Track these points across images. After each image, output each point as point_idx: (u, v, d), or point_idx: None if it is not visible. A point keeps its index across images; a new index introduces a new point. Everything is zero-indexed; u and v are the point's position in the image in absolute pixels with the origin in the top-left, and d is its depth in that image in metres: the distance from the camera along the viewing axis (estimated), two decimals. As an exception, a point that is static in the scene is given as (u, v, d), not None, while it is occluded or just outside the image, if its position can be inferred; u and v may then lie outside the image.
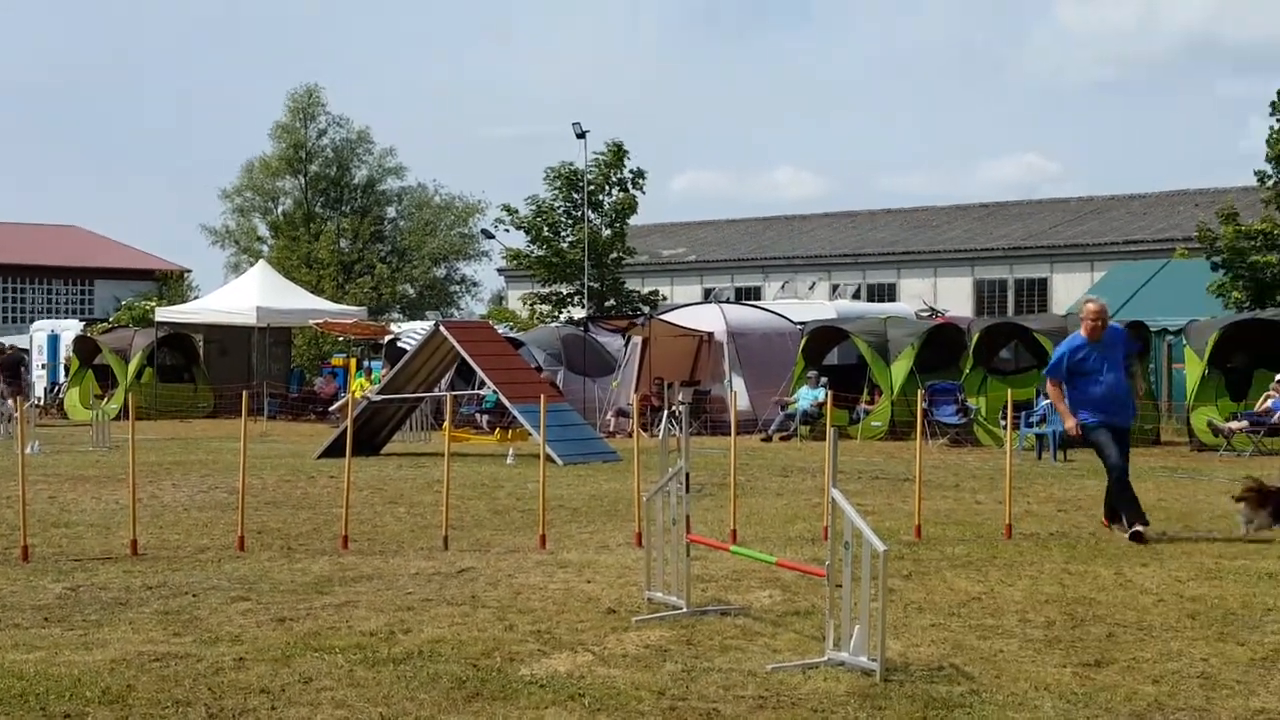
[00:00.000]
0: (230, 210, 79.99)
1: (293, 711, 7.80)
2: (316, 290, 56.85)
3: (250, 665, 8.85)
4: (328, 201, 78.64)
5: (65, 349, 47.54)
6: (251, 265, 52.75)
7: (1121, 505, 14.50)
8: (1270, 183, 33.51)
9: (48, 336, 50.12)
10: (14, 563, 13.13)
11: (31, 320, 61.81)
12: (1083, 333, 14.68)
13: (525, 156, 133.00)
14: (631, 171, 48.84)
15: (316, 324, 43.74)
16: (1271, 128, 33.19)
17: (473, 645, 9.35)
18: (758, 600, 10.96)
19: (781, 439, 31.27)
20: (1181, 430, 29.21)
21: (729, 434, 15.97)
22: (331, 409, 37.84)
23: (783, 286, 57.22)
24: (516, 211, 49.21)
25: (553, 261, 48.42)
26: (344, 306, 48.71)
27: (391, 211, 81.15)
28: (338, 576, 12.22)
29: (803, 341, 33.64)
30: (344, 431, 19.60)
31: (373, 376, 37.71)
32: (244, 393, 15.78)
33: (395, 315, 68.76)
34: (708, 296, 55.97)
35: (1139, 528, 14.10)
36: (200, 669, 8.76)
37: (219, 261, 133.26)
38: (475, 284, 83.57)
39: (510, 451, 25.30)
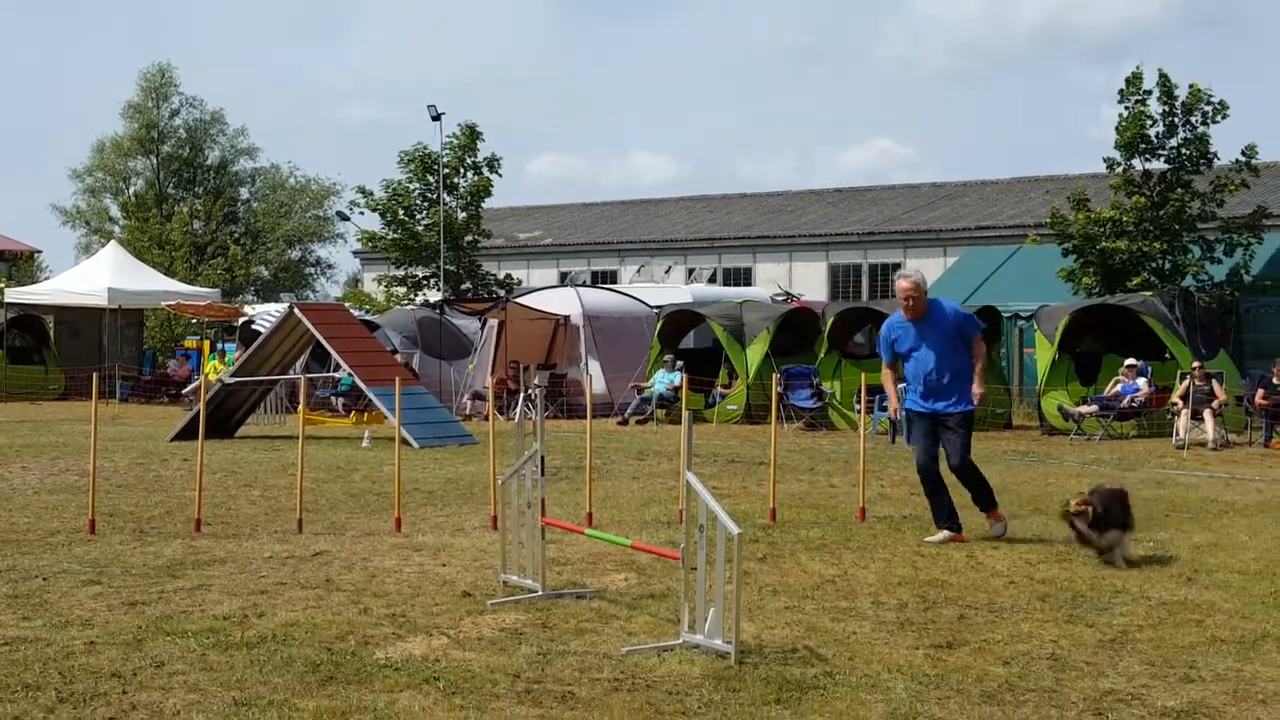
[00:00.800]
0: (81, 190, 78.89)
1: (145, 695, 7.71)
2: (169, 272, 56.10)
3: (101, 649, 8.74)
4: (180, 182, 77.72)
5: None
6: (103, 246, 51.92)
7: (930, 502, 13.73)
8: (1120, 170, 34.04)
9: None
10: None
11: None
12: (901, 312, 13.75)
13: (380, 139, 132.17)
14: (486, 158, 48.67)
15: (169, 305, 43.18)
16: (1121, 115, 33.73)
17: (327, 629, 9.29)
18: (613, 583, 10.99)
19: (638, 422, 31.35)
20: (1032, 414, 29.69)
21: (585, 417, 15.99)
22: (185, 391, 37.40)
23: (639, 270, 57.24)
24: (372, 194, 48.80)
25: (408, 244, 48.08)
26: (197, 288, 48.17)
27: (245, 193, 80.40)
28: (190, 560, 12.09)
29: (658, 325, 33.75)
30: (197, 414, 19.39)
31: (227, 359, 37.32)
32: (95, 374, 15.56)
33: (249, 297, 68.05)
34: (564, 280, 55.90)
35: (936, 536, 13.39)
36: (50, 653, 8.63)
37: (70, 242, 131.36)
38: (330, 266, 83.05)
39: (366, 434, 25.18)
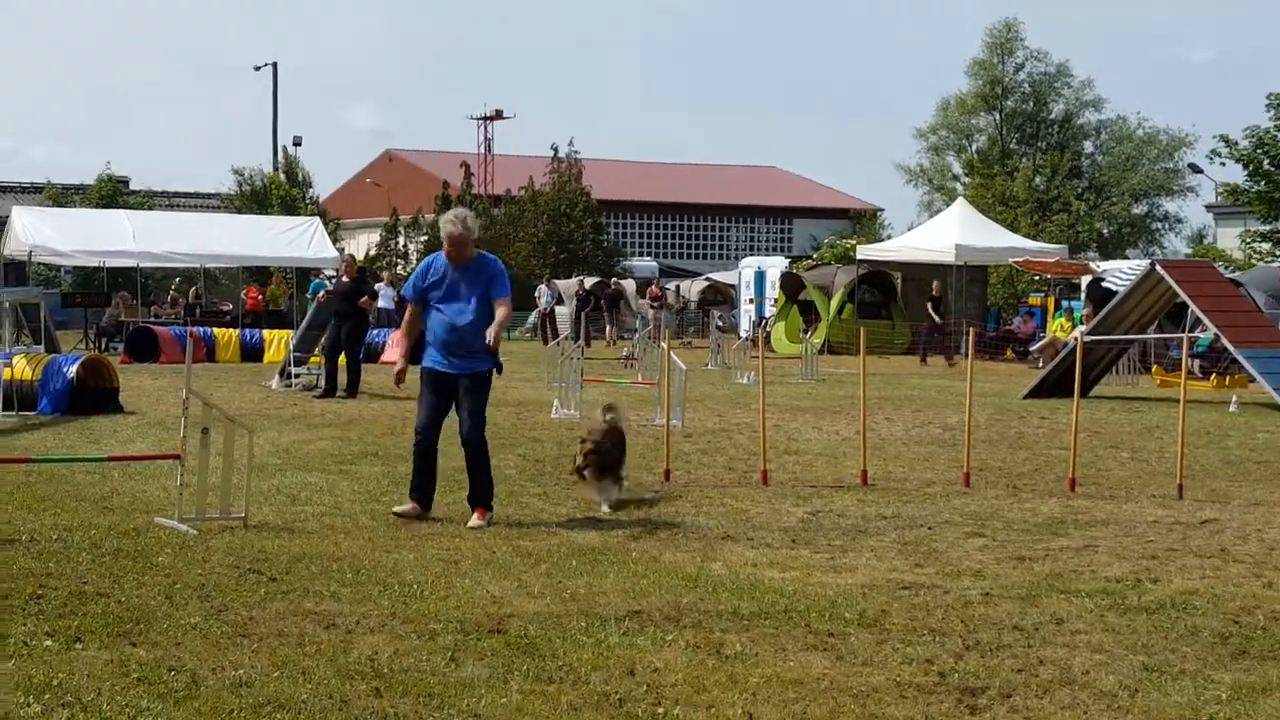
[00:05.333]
0: (924, 149, 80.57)
1: (1049, 651, 7.70)
2: (1012, 228, 56.38)
3: (998, 601, 8.84)
4: (1024, 138, 77.90)
5: (771, 285, 49.05)
6: (945, 204, 52.96)
7: None
8: None
9: (754, 273, 51.90)
10: (754, 485, 13.71)
11: (737, 258, 64.35)
12: None
13: (1239, 84, 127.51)
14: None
15: (1016, 262, 43.38)
16: None
17: (1229, 600, 8.94)
18: None
19: None
20: None
21: None
22: (1032, 349, 37.46)
23: None
24: (1236, 143, 46.43)
25: (1274, 197, 45.60)
26: (1043, 245, 48.16)
27: (1089, 146, 79.49)
28: (1070, 519, 12.04)
29: None
30: (1049, 371, 19.32)
31: (1074, 317, 37.10)
32: (970, 330, 15.84)
33: (1091, 254, 67.40)
34: None
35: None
36: (949, 600, 8.82)
37: (912, 200, 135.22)
38: (1179, 220, 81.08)
39: (1234, 399, 24.15)
